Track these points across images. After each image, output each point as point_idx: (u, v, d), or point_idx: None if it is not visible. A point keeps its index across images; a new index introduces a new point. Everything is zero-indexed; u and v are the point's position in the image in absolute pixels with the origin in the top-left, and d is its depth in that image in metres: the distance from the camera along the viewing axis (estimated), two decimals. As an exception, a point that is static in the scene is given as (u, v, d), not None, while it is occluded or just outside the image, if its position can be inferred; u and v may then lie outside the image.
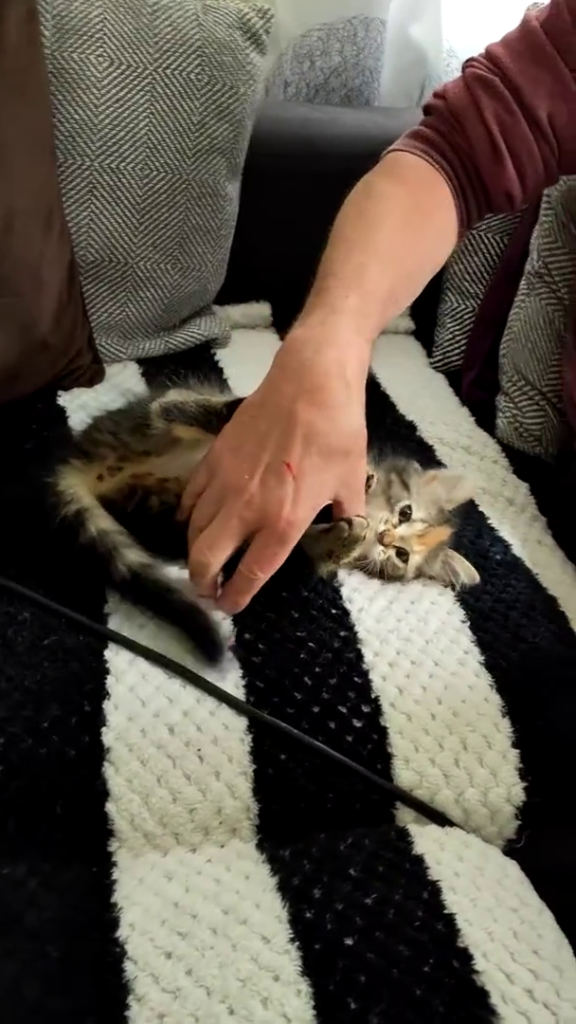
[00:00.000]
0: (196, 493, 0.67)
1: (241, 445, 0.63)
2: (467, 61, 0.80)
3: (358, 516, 0.67)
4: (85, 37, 0.90)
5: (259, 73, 0.96)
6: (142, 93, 0.92)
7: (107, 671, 0.63)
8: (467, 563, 0.72)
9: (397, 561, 0.72)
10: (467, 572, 0.72)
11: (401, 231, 0.73)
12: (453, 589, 0.73)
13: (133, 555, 0.67)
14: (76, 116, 0.91)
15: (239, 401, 0.67)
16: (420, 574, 0.74)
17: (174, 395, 0.71)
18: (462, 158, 0.78)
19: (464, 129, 0.77)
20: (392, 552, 0.72)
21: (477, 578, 0.72)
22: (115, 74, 0.91)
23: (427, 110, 0.81)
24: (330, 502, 0.65)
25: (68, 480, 0.70)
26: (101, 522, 0.68)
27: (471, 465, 0.91)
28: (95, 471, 0.72)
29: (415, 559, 0.72)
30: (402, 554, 0.72)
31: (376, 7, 1.22)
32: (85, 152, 0.93)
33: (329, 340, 0.65)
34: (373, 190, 0.76)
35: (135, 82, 0.92)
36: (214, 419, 0.69)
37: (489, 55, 0.78)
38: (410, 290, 0.75)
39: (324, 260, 0.71)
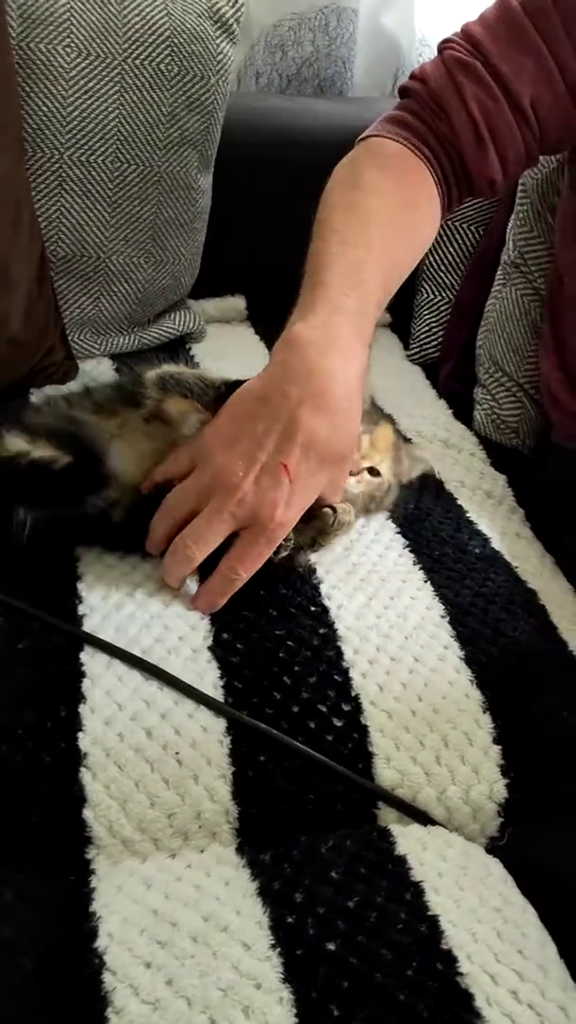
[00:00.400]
0: (171, 474, 0.67)
1: (237, 441, 0.63)
2: (444, 41, 0.78)
3: (341, 503, 0.67)
4: (52, 27, 0.89)
5: (230, 63, 0.95)
6: (111, 84, 0.91)
7: (83, 674, 0.62)
8: (420, 449, 0.81)
9: (372, 478, 0.73)
10: (424, 458, 0.81)
11: (393, 226, 0.73)
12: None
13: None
14: (44, 108, 0.90)
15: (239, 383, 0.67)
16: (399, 480, 0.78)
17: (170, 367, 0.70)
18: (444, 145, 0.76)
19: (447, 116, 0.75)
20: (365, 475, 0.73)
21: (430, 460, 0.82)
22: (83, 65, 0.90)
23: (404, 92, 0.79)
24: None
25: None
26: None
27: (448, 458, 0.90)
28: None
29: (385, 465, 0.75)
30: (372, 471, 0.74)
31: (347, -4, 1.21)
32: (54, 145, 0.91)
33: (333, 344, 0.65)
34: (361, 180, 0.74)
35: (104, 73, 0.90)
36: (211, 393, 0.68)
37: (468, 36, 0.76)
38: (398, 284, 0.75)
39: (316, 252, 0.70)
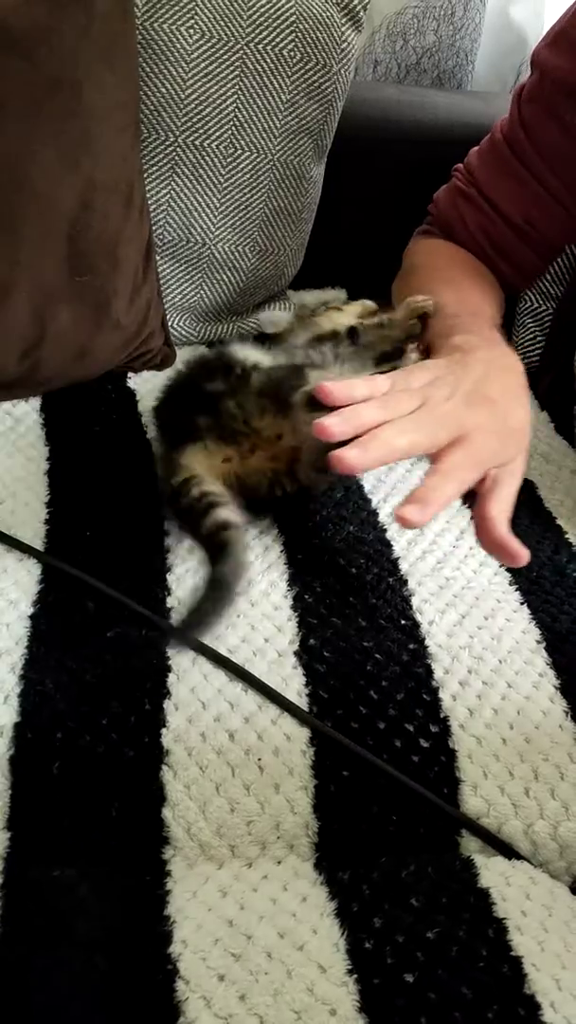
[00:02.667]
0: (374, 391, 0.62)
1: (435, 375, 0.64)
2: (454, 169, 0.89)
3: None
4: (177, 8, 0.87)
5: (354, 52, 0.92)
6: (232, 68, 0.89)
7: (169, 668, 0.61)
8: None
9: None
10: None
11: (464, 274, 0.83)
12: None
13: (224, 513, 0.66)
14: (163, 89, 0.89)
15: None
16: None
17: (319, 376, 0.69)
18: None
19: (456, 239, 0.87)
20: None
21: None
22: (205, 47, 0.88)
23: (428, 212, 0.92)
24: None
25: (190, 457, 0.70)
26: (207, 487, 0.67)
27: (548, 475, 0.87)
28: (223, 453, 0.70)
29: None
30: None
31: (477, -14, 1.17)
32: (170, 127, 0.90)
33: (493, 343, 0.71)
34: (416, 266, 0.87)
35: (225, 56, 0.89)
36: None
37: (468, 167, 0.87)
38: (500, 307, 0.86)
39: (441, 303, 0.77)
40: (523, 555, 0.60)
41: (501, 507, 0.61)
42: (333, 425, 0.57)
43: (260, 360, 0.75)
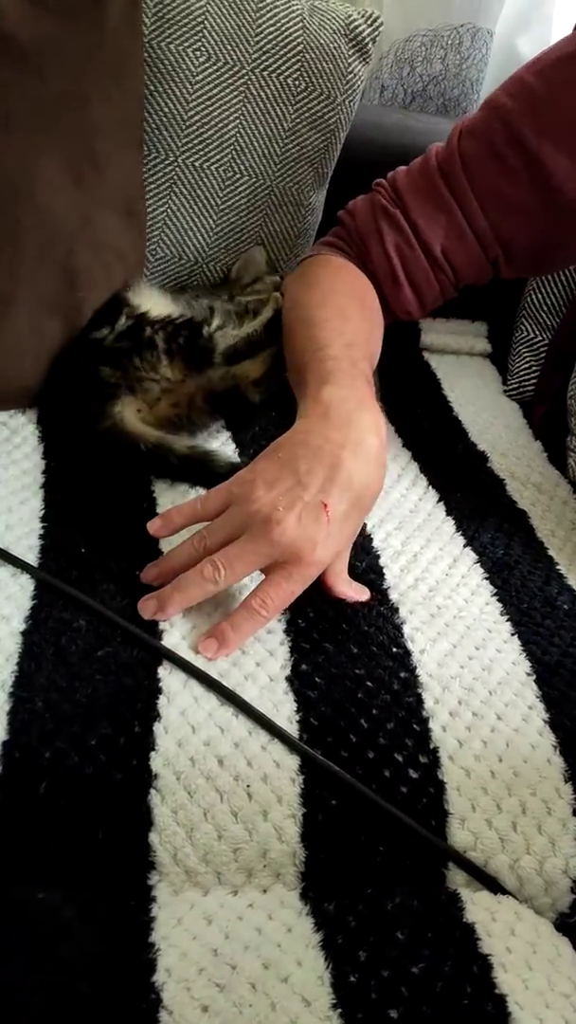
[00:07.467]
0: (199, 516, 0.66)
1: (279, 480, 0.63)
2: (376, 183, 0.87)
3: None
4: (185, 29, 0.88)
5: (360, 83, 0.93)
6: (236, 93, 0.90)
7: (159, 690, 0.61)
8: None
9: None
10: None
11: (358, 310, 0.81)
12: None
13: (182, 443, 0.78)
14: (166, 109, 0.89)
15: None
16: None
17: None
18: (368, 276, 0.85)
19: (369, 254, 0.84)
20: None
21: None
22: (211, 70, 0.89)
23: (339, 220, 0.88)
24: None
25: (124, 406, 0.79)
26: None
27: (540, 504, 0.87)
28: (136, 405, 0.79)
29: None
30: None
31: (485, 17, 1.19)
32: (171, 147, 0.90)
33: (364, 403, 0.68)
34: (314, 280, 0.83)
35: (230, 80, 0.89)
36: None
37: (394, 185, 0.85)
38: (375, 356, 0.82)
39: (308, 338, 0.76)
40: (365, 594, 0.68)
41: (335, 572, 0.66)
42: (147, 577, 0.67)
43: (151, 307, 0.83)
